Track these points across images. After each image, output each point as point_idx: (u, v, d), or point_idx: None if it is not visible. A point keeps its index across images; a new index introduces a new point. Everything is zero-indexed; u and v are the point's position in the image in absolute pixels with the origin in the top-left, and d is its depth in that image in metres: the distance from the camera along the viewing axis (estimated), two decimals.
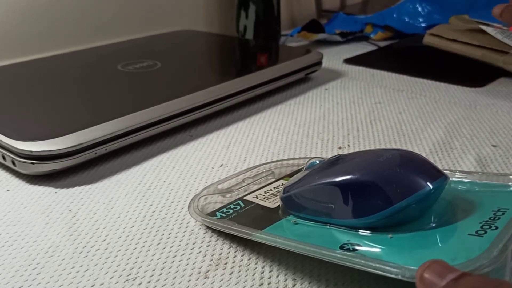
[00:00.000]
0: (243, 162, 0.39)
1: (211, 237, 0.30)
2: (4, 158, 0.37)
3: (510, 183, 0.27)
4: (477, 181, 0.28)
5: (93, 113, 0.41)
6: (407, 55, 0.71)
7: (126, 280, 0.26)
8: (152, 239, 0.29)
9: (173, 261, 0.27)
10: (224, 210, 0.30)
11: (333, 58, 0.70)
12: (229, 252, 0.28)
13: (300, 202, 0.28)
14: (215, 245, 0.29)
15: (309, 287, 0.25)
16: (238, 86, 0.49)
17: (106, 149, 0.38)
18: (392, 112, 0.49)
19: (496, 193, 0.27)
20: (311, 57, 0.59)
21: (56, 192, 0.35)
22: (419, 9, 0.82)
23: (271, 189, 0.33)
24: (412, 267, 0.20)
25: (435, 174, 0.25)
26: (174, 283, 0.26)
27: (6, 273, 0.27)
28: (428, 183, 0.25)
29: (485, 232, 0.22)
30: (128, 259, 0.28)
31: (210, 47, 0.69)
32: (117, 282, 0.26)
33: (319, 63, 0.60)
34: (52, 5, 0.65)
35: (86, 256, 0.28)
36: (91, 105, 0.44)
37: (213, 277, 0.26)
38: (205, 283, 0.26)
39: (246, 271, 0.27)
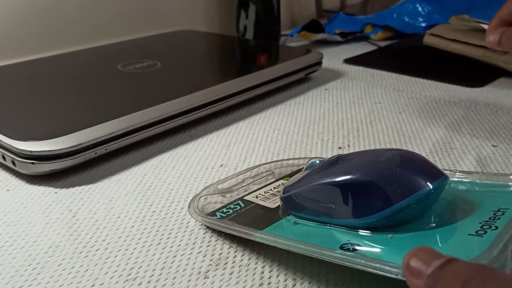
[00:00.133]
0: (243, 162, 0.39)
1: (211, 237, 0.30)
2: (4, 158, 0.37)
3: (510, 183, 0.27)
4: (477, 181, 0.28)
5: (93, 113, 0.41)
6: (407, 55, 0.71)
7: (126, 280, 0.26)
8: (152, 239, 0.29)
9: (173, 261, 0.27)
10: (224, 210, 0.30)
11: (333, 58, 0.70)
12: (229, 252, 0.28)
13: (300, 202, 0.28)
14: (215, 245, 0.29)
15: (309, 287, 0.25)
16: (238, 86, 0.49)
17: (106, 149, 0.38)
18: (392, 112, 0.49)
19: (496, 193, 0.27)
20: (311, 57, 0.59)
21: (56, 192, 0.35)
22: (419, 9, 0.82)
23: (271, 189, 0.33)
24: None
25: (435, 174, 0.25)
26: (174, 283, 0.26)
27: (6, 273, 0.27)
28: (428, 183, 0.25)
29: (485, 232, 0.22)
30: (128, 259, 0.28)
31: (210, 47, 0.69)
32: (117, 282, 0.26)
33: (319, 63, 0.60)
34: (52, 5, 0.65)
35: (86, 256, 0.28)
36: (91, 105, 0.44)
37: (213, 277, 0.26)
38: (205, 283, 0.26)
39: (246, 271, 0.27)
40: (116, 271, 0.27)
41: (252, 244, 0.29)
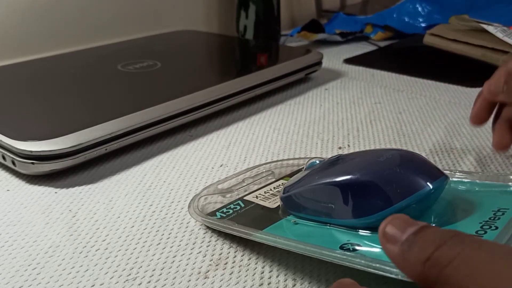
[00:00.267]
0: (243, 162, 0.39)
1: (211, 237, 0.30)
2: (4, 158, 0.37)
3: (510, 183, 0.27)
4: (477, 181, 0.28)
5: (93, 113, 0.41)
6: (407, 55, 0.71)
7: (126, 280, 0.26)
8: (152, 239, 0.29)
9: (173, 261, 0.27)
10: (224, 210, 0.30)
11: (333, 58, 0.70)
12: (229, 252, 0.28)
13: (300, 202, 0.28)
14: (215, 245, 0.29)
15: (309, 287, 0.25)
16: (238, 86, 0.49)
17: (106, 149, 0.38)
18: (392, 112, 0.49)
19: (496, 193, 0.27)
20: (311, 57, 0.59)
21: (56, 192, 0.35)
22: (419, 9, 0.82)
23: (271, 189, 0.33)
24: None
25: (435, 174, 0.25)
26: (174, 283, 0.26)
27: (6, 273, 0.27)
28: (428, 183, 0.25)
29: (485, 232, 0.22)
30: (128, 259, 0.28)
31: (210, 47, 0.69)
32: (117, 282, 0.26)
33: (319, 63, 0.60)
34: (52, 5, 0.65)
35: (86, 256, 0.28)
36: (91, 105, 0.44)
37: (213, 277, 0.26)
38: (205, 283, 0.26)
39: (246, 271, 0.27)
40: (116, 271, 0.27)
41: (252, 244, 0.29)
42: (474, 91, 0.55)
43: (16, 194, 0.35)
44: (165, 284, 0.26)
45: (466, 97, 0.53)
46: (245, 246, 0.29)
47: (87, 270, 0.27)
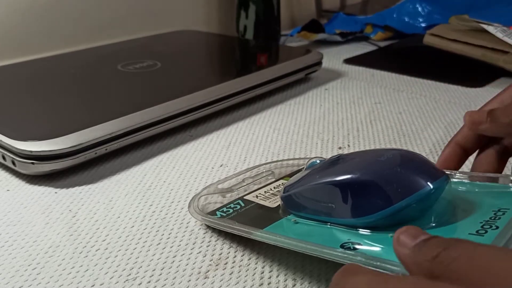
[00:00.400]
0: (243, 162, 0.39)
1: (211, 237, 0.30)
2: (4, 158, 0.37)
3: (510, 183, 0.27)
4: (478, 181, 0.28)
5: (93, 113, 0.41)
6: (407, 55, 0.71)
7: (126, 280, 0.26)
8: (152, 239, 0.29)
9: (173, 261, 0.27)
10: (224, 209, 0.30)
11: (333, 58, 0.70)
12: (229, 252, 0.28)
13: (301, 202, 0.28)
14: (215, 245, 0.29)
15: (309, 287, 0.25)
16: (238, 86, 0.49)
17: (106, 149, 0.38)
18: (392, 112, 0.49)
19: (496, 193, 0.27)
20: (311, 57, 0.59)
21: (56, 192, 0.35)
22: (419, 9, 0.82)
23: (271, 189, 0.33)
24: None
25: (436, 174, 0.25)
26: (174, 283, 0.26)
27: (6, 273, 0.27)
28: (428, 183, 0.25)
29: (486, 232, 0.22)
30: (128, 259, 0.28)
31: (210, 47, 0.69)
32: (117, 282, 0.26)
33: (319, 63, 0.60)
34: (52, 5, 0.65)
35: (86, 256, 0.28)
36: (91, 105, 0.44)
37: (213, 277, 0.26)
38: (205, 283, 0.26)
39: (246, 271, 0.27)
40: (116, 271, 0.27)
41: (252, 244, 0.29)
42: (474, 91, 0.55)
43: (16, 194, 0.35)
44: (165, 284, 0.26)
45: (466, 97, 0.53)
46: (245, 246, 0.29)
47: (87, 270, 0.27)
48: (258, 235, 0.26)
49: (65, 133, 0.36)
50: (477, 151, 0.32)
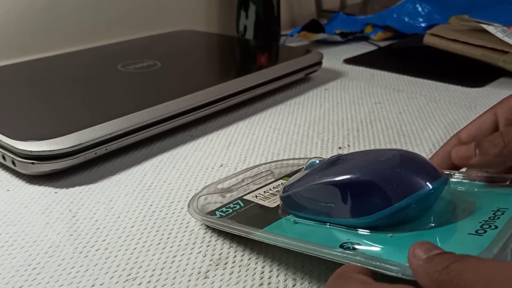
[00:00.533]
0: (243, 162, 0.39)
1: (211, 237, 0.30)
2: (4, 158, 0.37)
3: (509, 183, 0.27)
4: (476, 181, 0.28)
5: (93, 113, 0.41)
6: (407, 55, 0.71)
7: (126, 280, 0.26)
8: (152, 239, 0.29)
9: (173, 261, 0.28)
10: (224, 209, 0.30)
11: (333, 58, 0.70)
12: (229, 252, 0.28)
13: (300, 202, 0.28)
14: (215, 245, 0.29)
15: (309, 287, 0.25)
16: (238, 86, 0.49)
17: (106, 149, 0.38)
18: (392, 112, 0.49)
19: (495, 193, 0.27)
20: (311, 57, 0.59)
21: (56, 192, 0.35)
22: (419, 9, 0.82)
23: (270, 189, 0.33)
24: None
25: (435, 174, 0.25)
26: (174, 283, 0.26)
27: (6, 273, 0.27)
28: (428, 183, 0.25)
29: (485, 231, 0.22)
30: (128, 259, 0.28)
31: (210, 47, 0.69)
32: (117, 282, 0.26)
33: (319, 63, 0.60)
34: (52, 5, 0.65)
35: (86, 256, 0.28)
36: (91, 105, 0.44)
37: (213, 277, 0.26)
38: (205, 283, 0.26)
39: (246, 271, 0.27)
40: (116, 271, 0.27)
41: (252, 244, 0.29)
42: (474, 91, 0.55)
43: (16, 194, 0.35)
44: (165, 284, 0.26)
45: (466, 97, 0.53)
46: (245, 246, 0.29)
47: (87, 270, 0.27)
48: (258, 235, 0.26)
49: (65, 133, 0.36)
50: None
